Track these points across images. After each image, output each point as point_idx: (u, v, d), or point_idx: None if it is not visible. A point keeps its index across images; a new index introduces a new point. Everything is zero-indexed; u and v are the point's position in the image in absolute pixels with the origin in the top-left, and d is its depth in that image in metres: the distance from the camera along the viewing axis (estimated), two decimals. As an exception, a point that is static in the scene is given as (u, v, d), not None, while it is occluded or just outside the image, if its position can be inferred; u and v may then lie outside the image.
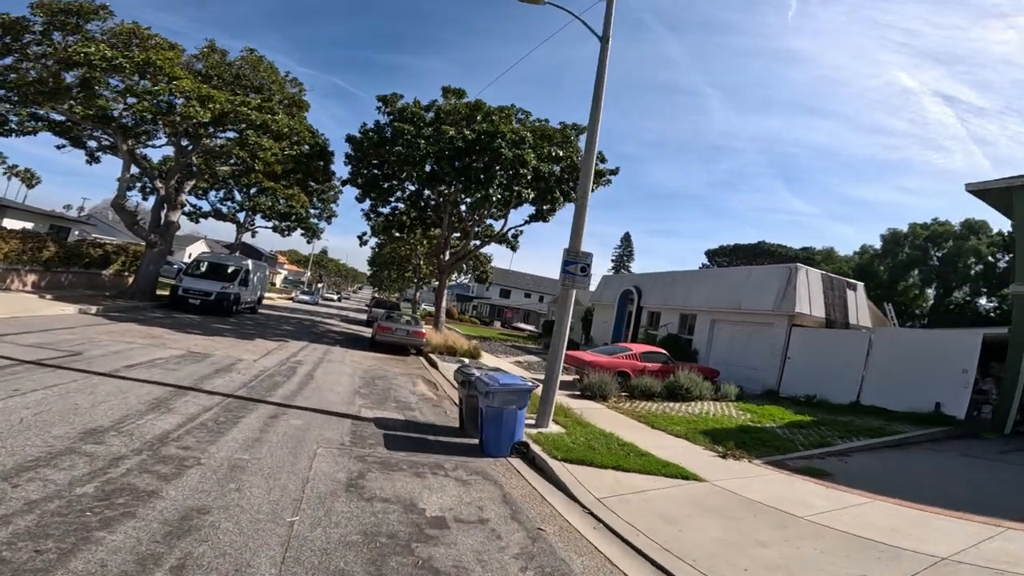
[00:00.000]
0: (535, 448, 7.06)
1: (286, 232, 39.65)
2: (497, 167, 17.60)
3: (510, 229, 23.30)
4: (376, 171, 20.89)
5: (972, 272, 37.03)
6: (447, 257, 22.78)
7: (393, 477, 5.26)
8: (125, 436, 5.06)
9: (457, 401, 9.39)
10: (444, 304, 22.84)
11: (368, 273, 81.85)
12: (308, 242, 41.93)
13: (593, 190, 20.74)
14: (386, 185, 21.30)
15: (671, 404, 12.84)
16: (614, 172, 20.44)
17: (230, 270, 20.45)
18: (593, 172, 9.07)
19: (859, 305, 19.15)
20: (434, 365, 14.94)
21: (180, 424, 5.71)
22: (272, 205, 35.78)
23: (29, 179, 52.47)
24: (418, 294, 47.90)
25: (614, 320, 25.39)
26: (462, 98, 19.87)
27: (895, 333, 14.69)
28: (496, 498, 5.24)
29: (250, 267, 21.43)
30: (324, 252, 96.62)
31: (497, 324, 53.84)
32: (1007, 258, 34.94)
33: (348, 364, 12.87)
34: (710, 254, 69.83)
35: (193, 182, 25.54)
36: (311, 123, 22.83)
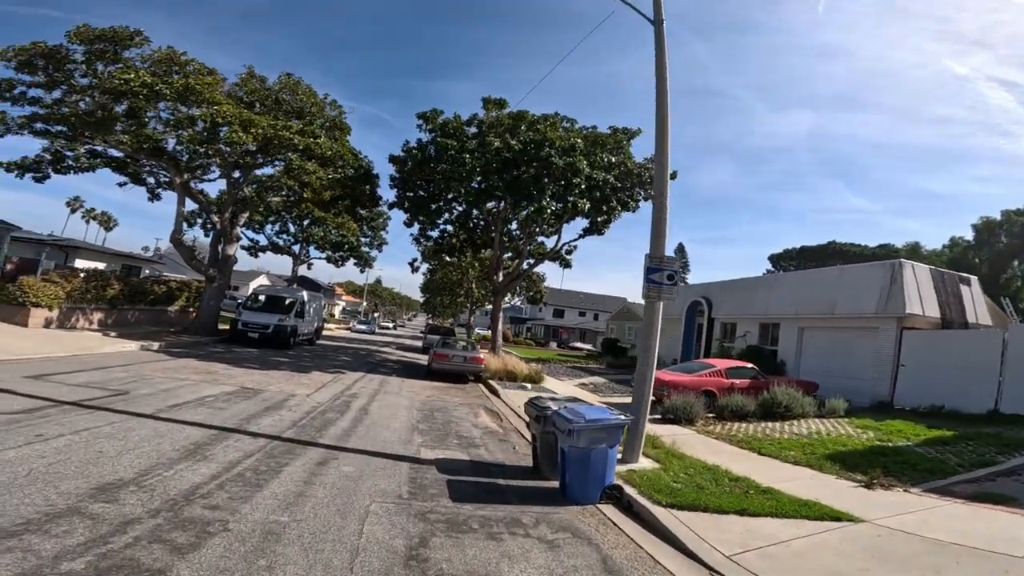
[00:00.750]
0: (631, 491, 5.78)
1: (339, 262, 40.34)
2: (548, 178, 16.61)
3: (563, 245, 22.19)
4: (422, 192, 20.42)
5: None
6: (500, 278, 21.89)
7: (462, 542, 4.13)
8: (145, 492, 4.23)
9: (528, 436, 8.25)
10: (500, 327, 21.88)
11: (421, 300, 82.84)
12: (361, 271, 42.47)
13: (652, 196, 19.45)
14: (433, 207, 20.79)
15: (769, 424, 11.21)
16: (672, 176, 18.94)
17: (286, 302, 20.41)
18: (669, 164, 7.83)
19: (975, 301, 16.54)
20: (495, 393, 13.85)
21: (214, 475, 4.86)
22: (324, 235, 36.48)
23: (107, 222, 56.73)
24: (472, 318, 47.36)
25: (682, 334, 23.50)
26: (503, 108, 19.16)
27: None
28: (595, 565, 4.03)
29: (305, 298, 21.36)
30: (378, 281, 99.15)
31: (553, 345, 52.36)
32: None
33: (405, 395, 12.01)
34: (774, 259, 65.66)
35: (247, 214, 26.11)
36: (354, 147, 22.81)
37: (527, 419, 7.27)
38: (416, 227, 23.49)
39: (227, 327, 20.20)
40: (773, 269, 65.18)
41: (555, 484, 6.09)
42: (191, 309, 21.29)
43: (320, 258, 39.93)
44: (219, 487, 4.59)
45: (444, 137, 17.34)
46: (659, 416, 11.41)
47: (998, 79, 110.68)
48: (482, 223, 22.98)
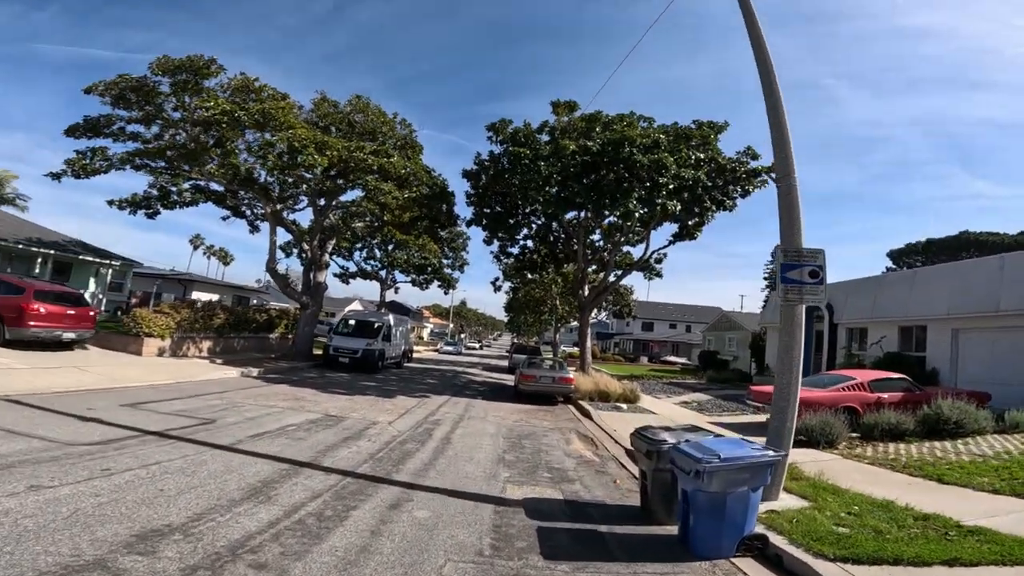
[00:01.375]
0: (778, 540, 4.44)
1: (424, 285, 41.14)
2: (631, 179, 15.30)
3: (652, 253, 20.52)
4: (499, 208, 19.90)
5: None
6: (586, 292, 20.69)
7: (563, 626, 3.08)
8: (191, 541, 3.65)
9: (630, 467, 7.05)
10: (588, 344, 20.61)
11: (505, 319, 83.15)
12: (445, 293, 43.03)
13: (750, 192, 17.46)
14: (511, 221, 20.18)
15: (937, 444, 9.23)
16: (771, 170, 16.77)
17: (374, 326, 20.66)
18: (790, 133, 6.40)
19: None
20: (587, 415, 12.63)
21: (273, 521, 4.23)
22: (407, 259, 37.40)
23: (224, 257, 62.73)
24: (557, 336, 46.22)
25: (797, 344, 20.70)
26: (574, 111, 18.15)
27: None
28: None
29: (391, 322, 21.55)
30: (463, 303, 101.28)
31: (644, 360, 49.62)
32: None
33: (490, 421, 11.17)
34: (894, 255, 57.94)
35: (334, 241, 27.11)
36: (427, 164, 22.92)
37: (630, 448, 6.09)
38: (496, 244, 23.05)
39: (320, 352, 20.81)
40: (894, 267, 57.54)
41: (672, 530, 4.88)
42: (289, 336, 22.27)
43: (405, 281, 41.03)
44: (274, 537, 3.92)
45: (516, 146, 16.71)
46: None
47: None
48: (563, 236, 22.01)
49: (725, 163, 16.54)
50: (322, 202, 20.24)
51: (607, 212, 16.34)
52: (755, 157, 16.50)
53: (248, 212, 21.38)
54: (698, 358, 37.47)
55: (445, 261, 42.07)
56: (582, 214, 20.32)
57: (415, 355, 37.80)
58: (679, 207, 15.45)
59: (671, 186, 15.05)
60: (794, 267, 5.79)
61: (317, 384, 14.08)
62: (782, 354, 5.93)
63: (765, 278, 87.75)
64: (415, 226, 25.30)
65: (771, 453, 4.48)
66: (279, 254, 21.47)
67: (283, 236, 21.48)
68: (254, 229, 21.83)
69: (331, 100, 20.10)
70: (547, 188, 15.62)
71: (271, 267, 19.98)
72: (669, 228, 19.84)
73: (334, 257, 35.62)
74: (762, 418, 12.29)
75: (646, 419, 12.01)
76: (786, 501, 5.58)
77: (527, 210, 19.57)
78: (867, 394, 10.61)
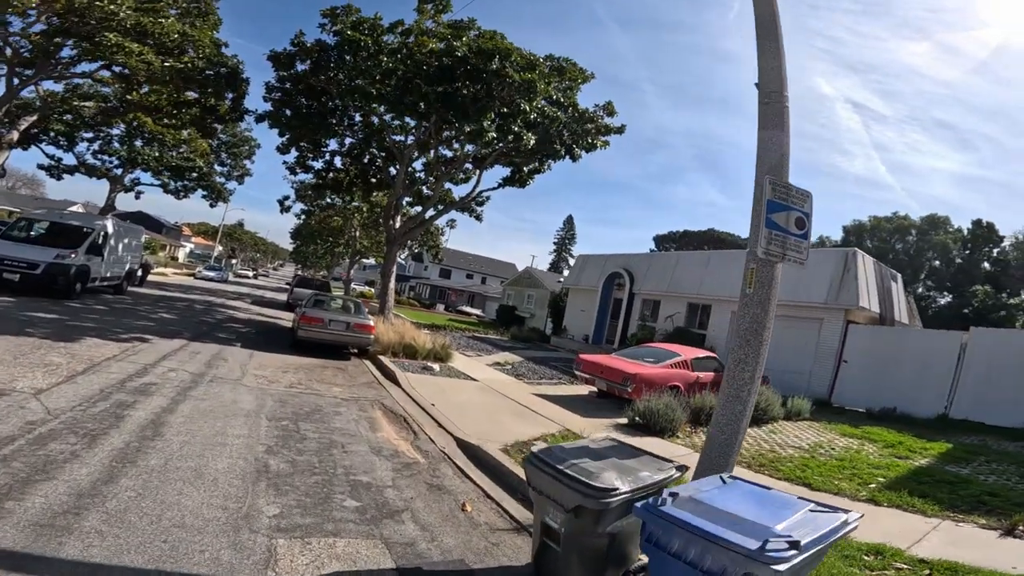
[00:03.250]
0: None
1: (182, 193, 31.94)
2: (493, 99, 12.51)
3: (480, 192, 18.29)
4: (309, 106, 15.14)
5: (929, 267, 36.73)
6: (398, 224, 17.46)
7: None
8: None
9: (482, 481, 4.71)
10: (392, 284, 17.57)
11: (291, 248, 72.81)
12: (212, 206, 34.39)
13: (595, 148, 16.41)
14: (323, 128, 15.66)
15: (750, 431, 8.95)
16: (620, 131, 16.01)
17: (80, 232, 13.93)
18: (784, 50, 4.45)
19: (900, 298, 16.27)
20: (392, 378, 9.84)
21: None
22: (160, 157, 28.15)
23: None
24: (350, 272, 41.42)
25: (597, 309, 21.27)
26: (444, 12, 14.41)
27: (1002, 335, 11.68)
28: None
29: (109, 229, 14.89)
30: (240, 224, 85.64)
31: (440, 307, 48.47)
32: (966, 253, 34.67)
33: (250, 385, 7.51)
34: (659, 240, 68.22)
35: (34, 118, 18.52)
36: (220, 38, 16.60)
37: (467, 440, 3.63)
38: (294, 154, 18.22)
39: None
40: (656, 249, 67.81)
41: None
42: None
43: (154, 185, 31.22)
44: None
45: (356, 31, 12.35)
46: (624, 421, 8.54)
47: (853, 101, 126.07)
48: (382, 157, 18.27)
49: (583, 112, 15.17)
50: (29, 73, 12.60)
51: (454, 131, 13.41)
52: (611, 113, 15.40)
53: None
54: (496, 312, 37.62)
55: (220, 169, 33.51)
56: (409, 139, 16.89)
57: (158, 279, 29.33)
58: (532, 142, 13.37)
59: (532, 116, 12.86)
60: (781, 208, 3.95)
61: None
62: (747, 335, 4.09)
63: (554, 243, 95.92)
64: (179, 114, 18.41)
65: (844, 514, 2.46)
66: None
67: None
68: None
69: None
70: (386, 83, 11.86)
71: None
72: (499, 172, 17.89)
73: (42, 144, 24.93)
74: (584, 390, 11.33)
75: (466, 387, 9.84)
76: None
77: (347, 118, 15.44)
78: (689, 372, 10.28)
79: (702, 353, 10.93)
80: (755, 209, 4.02)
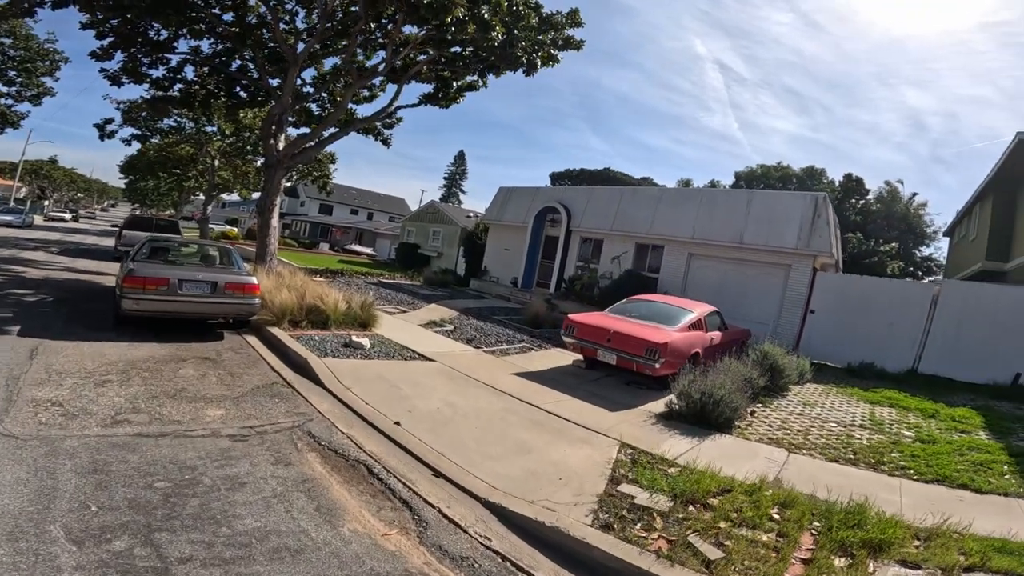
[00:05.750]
0: None
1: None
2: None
3: (396, 109, 13.99)
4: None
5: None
6: (281, 146, 12.76)
7: None
8: None
9: None
10: (276, 221, 13.03)
11: (124, 185, 58.82)
12: None
13: (553, 60, 12.93)
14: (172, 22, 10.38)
15: (782, 404, 7.58)
16: (579, 46, 12.69)
17: None
18: None
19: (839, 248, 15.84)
20: (305, 371, 6.27)
21: None
22: None
23: None
24: (209, 210, 33.77)
25: (527, 248, 18.58)
26: None
27: (973, 288, 11.22)
28: None
29: None
30: (52, 161, 67.05)
31: (324, 247, 42.38)
32: (836, 204, 37.48)
33: (20, 433, 3.68)
34: (554, 177, 66.51)
35: None
36: None
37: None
38: (119, 60, 12.66)
39: None
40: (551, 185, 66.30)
41: None
42: None
43: None
44: None
45: None
46: (662, 410, 6.21)
47: (721, 62, 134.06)
48: (256, 65, 13.23)
49: (547, 16, 11.64)
50: None
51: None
52: (578, 24, 11.98)
53: None
54: (395, 251, 33.38)
55: (6, 89, 24.76)
56: (300, 46, 12.00)
57: None
58: (501, 38, 9.78)
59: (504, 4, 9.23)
60: None
61: None
62: None
63: (444, 178, 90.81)
64: None
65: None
66: None
67: None
68: None
69: None
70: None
71: None
72: (417, 88, 13.82)
73: None
74: (565, 358, 8.72)
75: (424, 377, 6.62)
76: None
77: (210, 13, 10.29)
78: (705, 334, 8.14)
79: (709, 307, 8.79)
80: None
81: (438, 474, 3.91)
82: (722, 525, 3.57)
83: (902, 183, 38.51)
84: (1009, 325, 10.13)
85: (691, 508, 3.82)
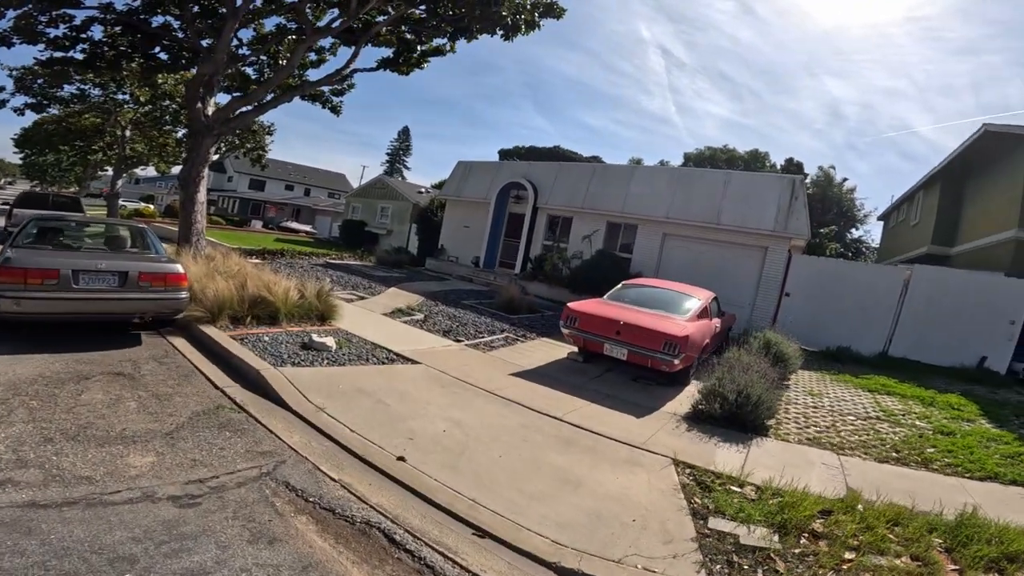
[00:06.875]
0: None
1: None
2: None
3: (352, 72, 12.20)
4: None
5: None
6: (210, 111, 10.75)
7: None
8: None
9: None
10: (203, 195, 11.06)
11: (20, 160, 51.26)
12: None
13: (533, 26, 11.56)
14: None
15: (788, 395, 7.15)
16: (560, 14, 11.49)
17: None
18: None
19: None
20: (259, 387, 4.90)
21: None
22: None
23: None
24: (119, 184, 29.71)
25: (489, 225, 17.40)
26: None
27: (942, 273, 11.25)
28: None
29: None
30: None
31: (257, 225, 38.92)
32: None
33: None
34: (503, 154, 64.85)
35: None
36: None
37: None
38: (10, 19, 10.42)
39: None
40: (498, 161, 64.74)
41: None
42: None
43: None
44: None
45: None
46: (687, 411, 5.42)
47: (664, 47, 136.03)
48: (183, 21, 10.98)
49: None
50: None
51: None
52: None
53: None
54: (339, 229, 31.07)
55: None
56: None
57: None
58: None
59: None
60: None
61: None
62: None
63: (387, 154, 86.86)
64: None
65: None
66: None
67: None
68: None
69: None
70: None
71: None
72: (374, 53, 11.95)
73: None
74: (558, 350, 7.76)
75: (414, 386, 5.41)
76: None
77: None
78: (710, 322, 7.43)
79: (709, 292, 8.06)
80: None
81: (481, 532, 2.88)
82: (848, 556, 3.02)
83: (834, 168, 40.17)
84: (974, 310, 10.27)
85: (803, 540, 3.15)
